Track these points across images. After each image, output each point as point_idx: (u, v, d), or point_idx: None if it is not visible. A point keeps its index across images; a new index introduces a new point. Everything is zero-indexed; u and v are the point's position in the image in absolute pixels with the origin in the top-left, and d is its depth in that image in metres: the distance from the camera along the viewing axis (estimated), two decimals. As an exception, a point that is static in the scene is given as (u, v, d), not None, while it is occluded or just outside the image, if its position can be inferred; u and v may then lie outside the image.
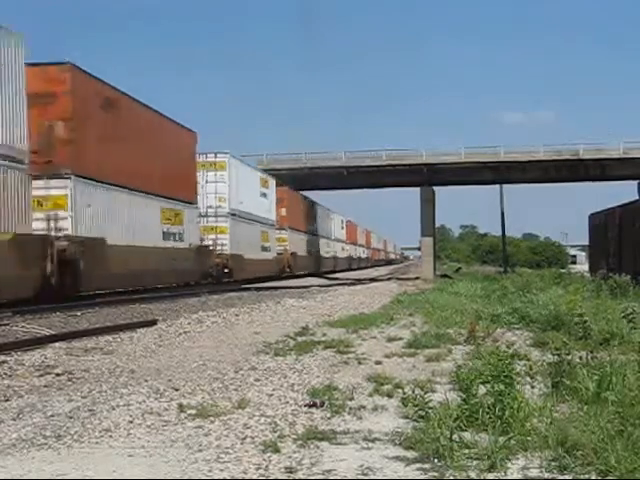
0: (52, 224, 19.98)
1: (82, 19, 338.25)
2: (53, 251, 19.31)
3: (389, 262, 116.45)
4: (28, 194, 18.24)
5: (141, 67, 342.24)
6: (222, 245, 34.43)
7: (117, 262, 22.91)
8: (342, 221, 77.12)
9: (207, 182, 33.97)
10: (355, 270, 74.10)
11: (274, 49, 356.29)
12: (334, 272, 62.07)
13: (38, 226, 19.48)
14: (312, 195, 59.89)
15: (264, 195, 41.63)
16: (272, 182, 43.80)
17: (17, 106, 18.01)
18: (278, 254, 44.53)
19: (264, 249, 41.12)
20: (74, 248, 20.21)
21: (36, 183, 19.10)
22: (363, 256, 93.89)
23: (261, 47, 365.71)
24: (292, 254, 48.84)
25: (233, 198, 35.57)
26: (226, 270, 34.73)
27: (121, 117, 24.37)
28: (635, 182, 49.00)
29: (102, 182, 22.63)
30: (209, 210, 34.29)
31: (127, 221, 24.57)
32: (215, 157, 34.42)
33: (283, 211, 46.28)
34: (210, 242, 33.47)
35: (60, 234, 20.10)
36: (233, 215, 35.78)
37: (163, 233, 28.14)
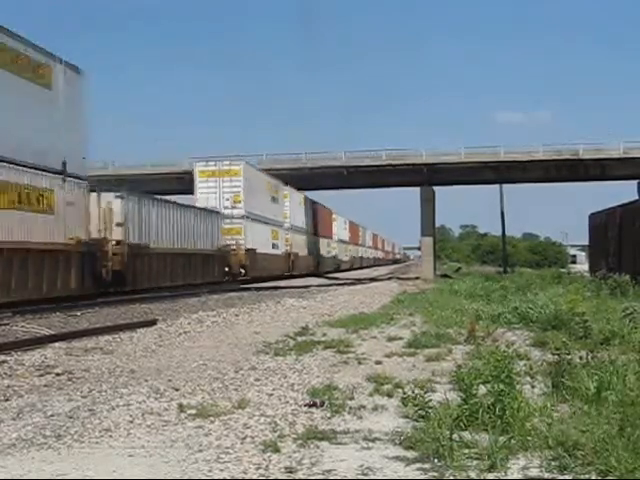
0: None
1: (82, 19, 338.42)
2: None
3: (396, 261, 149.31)
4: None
5: (141, 67, 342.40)
6: (336, 254, 74.45)
7: (327, 263, 67.54)
8: (371, 234, 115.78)
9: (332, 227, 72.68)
10: (377, 266, 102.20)
11: (274, 49, 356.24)
12: (370, 267, 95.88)
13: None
14: (312, 195, 60.20)
15: (345, 229, 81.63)
16: (347, 220, 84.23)
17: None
18: (352, 257, 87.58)
19: (346, 256, 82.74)
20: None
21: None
22: (380, 257, 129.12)
23: (261, 47, 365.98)
24: (354, 257, 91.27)
25: (339, 234, 76.73)
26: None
27: (314, 211, 62.19)
28: (635, 182, 49.01)
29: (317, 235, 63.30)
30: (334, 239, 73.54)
31: (334, 250, 73.60)
32: (331, 214, 72.62)
33: (346, 234, 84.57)
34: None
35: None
36: (340, 242, 76.27)
37: (326, 252, 68.20)
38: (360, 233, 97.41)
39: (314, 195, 60.99)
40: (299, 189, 54.22)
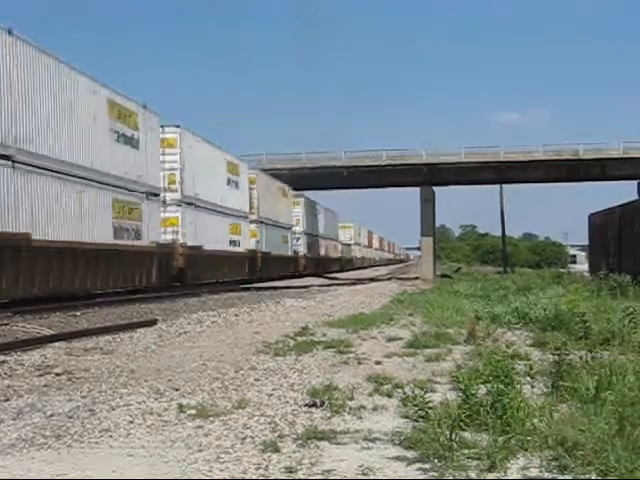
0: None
1: (82, 18, 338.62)
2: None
3: (401, 261, 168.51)
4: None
5: (141, 67, 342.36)
6: (373, 256, 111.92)
7: (371, 262, 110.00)
8: (387, 241, 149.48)
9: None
10: (391, 265, 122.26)
11: (273, 48, 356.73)
12: (387, 265, 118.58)
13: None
14: (312, 195, 60.23)
15: (377, 241, 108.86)
16: (378, 236, 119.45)
17: None
18: (379, 258, 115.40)
19: (377, 257, 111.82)
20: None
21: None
22: (391, 257, 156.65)
23: (260, 47, 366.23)
24: (380, 258, 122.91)
25: (374, 244, 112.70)
26: None
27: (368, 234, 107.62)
28: (635, 182, 49.01)
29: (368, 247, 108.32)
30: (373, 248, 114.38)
31: (372, 254, 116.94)
32: (372, 234, 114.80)
33: (377, 244, 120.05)
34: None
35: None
36: (374, 249, 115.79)
37: (371, 255, 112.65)
38: (383, 242, 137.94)
39: (314, 195, 61.15)
40: (299, 189, 54.33)
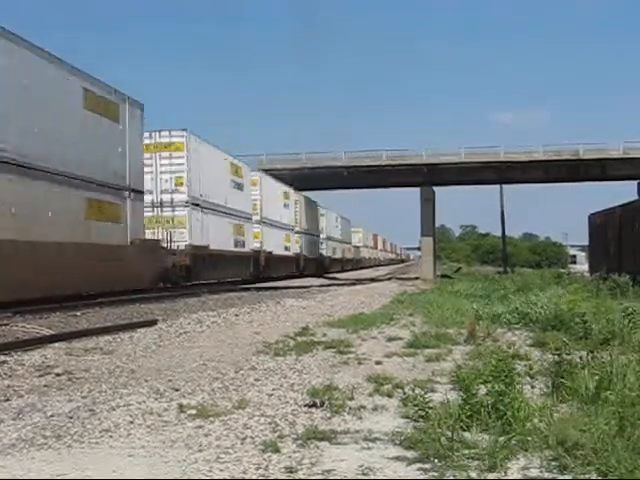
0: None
1: (82, 18, 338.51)
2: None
3: (401, 261, 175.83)
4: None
5: (141, 67, 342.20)
6: (378, 256, 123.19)
7: (377, 261, 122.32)
8: (390, 243, 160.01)
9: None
10: (392, 265, 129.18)
11: (274, 49, 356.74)
12: (388, 265, 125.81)
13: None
14: (312, 195, 60.25)
15: (382, 243, 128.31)
16: (383, 238, 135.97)
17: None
18: (383, 258, 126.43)
19: (382, 258, 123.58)
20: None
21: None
22: (394, 257, 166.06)
23: (260, 47, 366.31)
24: (384, 258, 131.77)
25: (379, 246, 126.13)
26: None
27: (374, 236, 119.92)
28: (635, 182, 49.05)
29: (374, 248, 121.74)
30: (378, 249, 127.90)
31: (378, 254, 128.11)
32: (377, 236, 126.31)
33: (381, 245, 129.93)
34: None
35: None
36: (380, 250, 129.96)
37: (377, 256, 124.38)
38: (386, 244, 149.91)
39: (314, 195, 61.23)
40: (299, 189, 54.43)
